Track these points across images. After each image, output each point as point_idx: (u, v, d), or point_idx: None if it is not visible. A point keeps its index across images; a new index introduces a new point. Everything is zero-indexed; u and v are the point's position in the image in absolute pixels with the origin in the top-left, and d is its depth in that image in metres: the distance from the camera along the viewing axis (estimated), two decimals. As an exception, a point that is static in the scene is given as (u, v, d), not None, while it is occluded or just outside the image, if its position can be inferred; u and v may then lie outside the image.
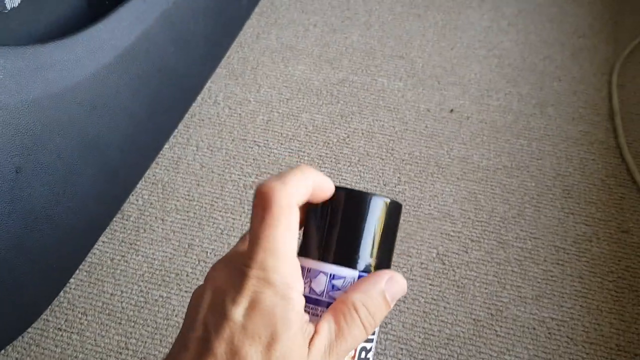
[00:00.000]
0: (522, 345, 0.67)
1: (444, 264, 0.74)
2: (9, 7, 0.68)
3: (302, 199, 0.26)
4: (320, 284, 0.28)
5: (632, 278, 0.73)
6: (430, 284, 0.72)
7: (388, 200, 0.29)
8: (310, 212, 0.29)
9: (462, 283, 0.72)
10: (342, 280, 0.28)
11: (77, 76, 0.63)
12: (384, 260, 0.29)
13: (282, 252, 0.25)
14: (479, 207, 0.79)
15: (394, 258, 0.72)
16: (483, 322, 0.69)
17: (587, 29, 1.06)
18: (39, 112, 0.59)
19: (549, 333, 0.68)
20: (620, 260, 0.74)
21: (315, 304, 0.28)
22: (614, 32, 1.06)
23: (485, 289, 0.71)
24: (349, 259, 0.28)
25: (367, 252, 0.28)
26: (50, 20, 0.78)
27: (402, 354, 0.66)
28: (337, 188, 0.28)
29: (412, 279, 0.72)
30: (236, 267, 0.25)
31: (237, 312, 0.24)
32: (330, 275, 0.28)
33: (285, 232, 0.25)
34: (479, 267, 0.73)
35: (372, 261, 0.29)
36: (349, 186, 0.77)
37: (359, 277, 0.28)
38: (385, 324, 0.68)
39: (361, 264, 0.28)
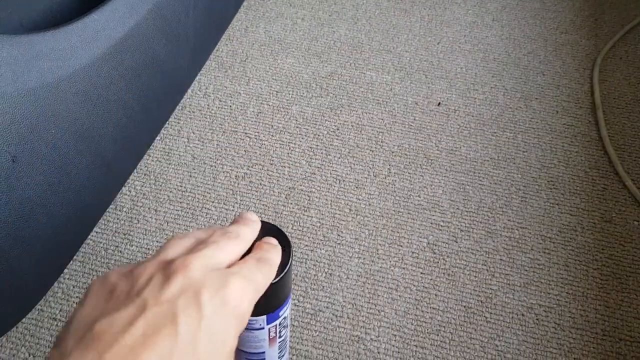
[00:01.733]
0: (511, 331, 0.69)
1: (434, 253, 0.75)
2: (1, -3, 0.68)
3: None
4: None
5: (616, 266, 0.75)
6: (421, 273, 0.73)
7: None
8: None
9: (452, 271, 0.74)
10: None
11: (71, 66, 0.63)
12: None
13: None
14: (467, 198, 0.81)
15: (386, 248, 0.74)
16: (473, 309, 0.70)
17: (568, 24, 1.09)
18: (35, 102, 0.58)
19: (537, 319, 0.70)
20: (604, 249, 0.76)
21: None
22: (595, 28, 1.08)
23: (475, 277, 0.73)
24: None
25: None
26: (41, 8, 0.78)
27: (395, 340, 0.67)
28: None
29: (404, 268, 0.74)
30: None
31: None
32: None
33: None
34: (468, 256, 0.75)
35: None
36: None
37: None
38: (379, 311, 0.70)
39: None
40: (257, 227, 0.35)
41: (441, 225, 0.78)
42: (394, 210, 0.79)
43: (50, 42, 0.61)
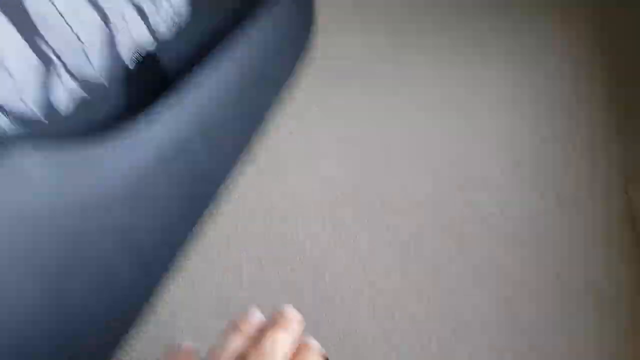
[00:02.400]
0: None
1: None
2: (63, 115, 0.70)
3: None
4: None
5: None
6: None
7: None
8: None
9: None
10: None
11: (119, 174, 0.65)
12: None
13: None
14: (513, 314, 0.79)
15: None
16: None
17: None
18: (82, 211, 0.59)
19: None
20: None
21: None
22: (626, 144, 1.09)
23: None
24: None
25: None
26: (89, 117, 0.81)
27: None
28: None
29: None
30: None
31: None
32: None
33: None
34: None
35: None
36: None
37: None
38: None
39: None
40: (297, 328, 0.34)
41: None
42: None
43: (99, 151, 0.63)
